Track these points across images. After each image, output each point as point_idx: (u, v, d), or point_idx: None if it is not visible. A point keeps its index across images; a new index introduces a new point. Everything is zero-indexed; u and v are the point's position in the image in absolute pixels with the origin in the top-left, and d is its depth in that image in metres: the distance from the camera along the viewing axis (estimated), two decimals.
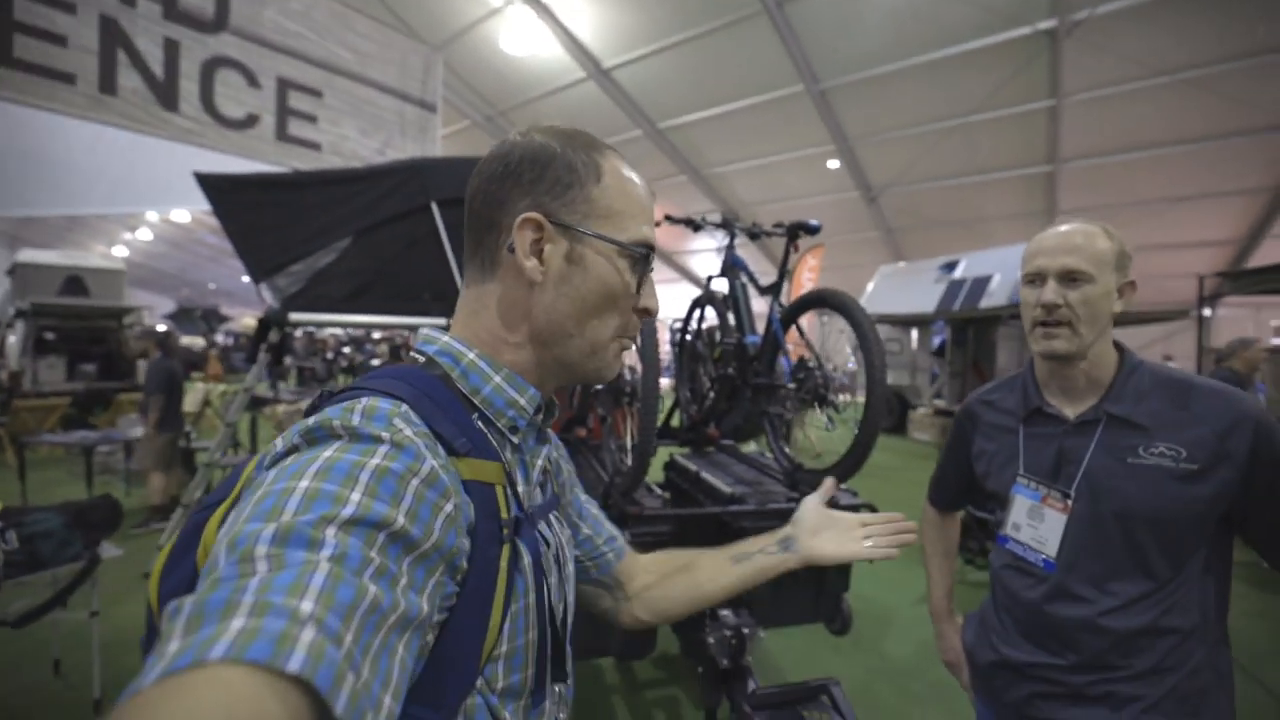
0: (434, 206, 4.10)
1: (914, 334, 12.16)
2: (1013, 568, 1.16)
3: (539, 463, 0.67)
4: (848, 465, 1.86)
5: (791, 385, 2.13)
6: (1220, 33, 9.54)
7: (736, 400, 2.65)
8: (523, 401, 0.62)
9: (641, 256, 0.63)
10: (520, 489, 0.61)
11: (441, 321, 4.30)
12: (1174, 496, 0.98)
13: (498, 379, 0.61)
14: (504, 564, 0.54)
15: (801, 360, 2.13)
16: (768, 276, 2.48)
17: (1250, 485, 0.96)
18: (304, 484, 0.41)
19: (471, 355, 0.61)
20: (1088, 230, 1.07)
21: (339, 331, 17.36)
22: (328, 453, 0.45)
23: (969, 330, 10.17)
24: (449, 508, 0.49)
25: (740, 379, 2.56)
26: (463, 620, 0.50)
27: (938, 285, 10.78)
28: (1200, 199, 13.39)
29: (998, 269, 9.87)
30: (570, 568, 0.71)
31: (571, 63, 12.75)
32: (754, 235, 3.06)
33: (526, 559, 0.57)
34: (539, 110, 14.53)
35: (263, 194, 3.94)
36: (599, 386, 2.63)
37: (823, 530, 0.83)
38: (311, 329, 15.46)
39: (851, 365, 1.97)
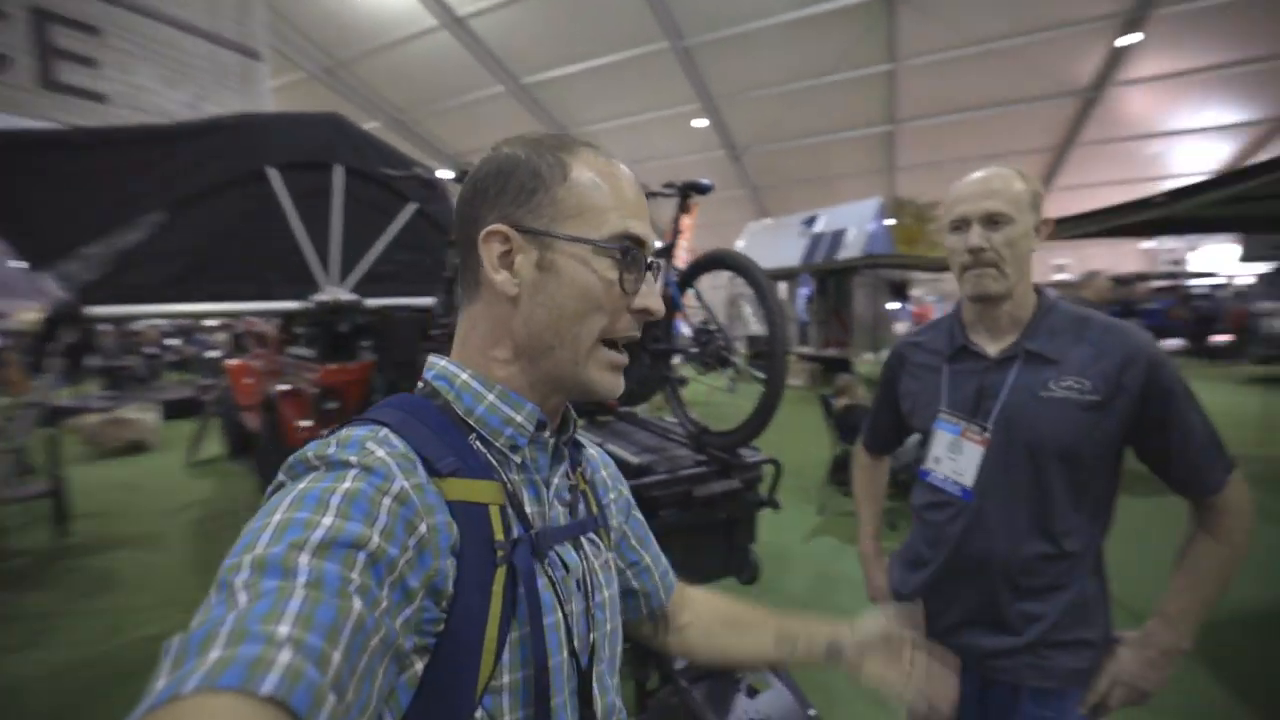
0: (272, 172, 3.52)
1: (783, 286, 12.95)
2: (932, 505, 1.20)
3: (556, 481, 0.64)
4: (754, 426, 1.89)
5: (695, 349, 2.11)
6: (1022, 4, 10.88)
7: (632, 366, 2.61)
8: (519, 418, 0.59)
9: (622, 251, 0.58)
10: (529, 510, 0.58)
11: (295, 304, 3.78)
12: (1079, 427, 1.03)
13: (491, 398, 0.59)
14: (498, 587, 0.52)
15: (704, 323, 2.11)
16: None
17: (1143, 415, 1.02)
18: (277, 517, 0.42)
19: (464, 376, 0.60)
20: (1003, 174, 1.09)
21: (162, 322, 14.88)
22: (302, 484, 0.46)
23: (830, 281, 11.02)
24: (423, 528, 0.48)
25: (639, 344, 2.51)
26: (451, 646, 0.49)
27: (801, 239, 11.48)
28: (1006, 155, 15.47)
29: (852, 223, 10.72)
30: (606, 593, 0.65)
31: (421, 9, 11.56)
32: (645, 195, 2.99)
33: (535, 581, 0.55)
34: (387, 61, 13.12)
35: (32, 157, 3.10)
36: None
37: (875, 650, 0.75)
38: (123, 322, 13.03)
39: (753, 327, 2.00)
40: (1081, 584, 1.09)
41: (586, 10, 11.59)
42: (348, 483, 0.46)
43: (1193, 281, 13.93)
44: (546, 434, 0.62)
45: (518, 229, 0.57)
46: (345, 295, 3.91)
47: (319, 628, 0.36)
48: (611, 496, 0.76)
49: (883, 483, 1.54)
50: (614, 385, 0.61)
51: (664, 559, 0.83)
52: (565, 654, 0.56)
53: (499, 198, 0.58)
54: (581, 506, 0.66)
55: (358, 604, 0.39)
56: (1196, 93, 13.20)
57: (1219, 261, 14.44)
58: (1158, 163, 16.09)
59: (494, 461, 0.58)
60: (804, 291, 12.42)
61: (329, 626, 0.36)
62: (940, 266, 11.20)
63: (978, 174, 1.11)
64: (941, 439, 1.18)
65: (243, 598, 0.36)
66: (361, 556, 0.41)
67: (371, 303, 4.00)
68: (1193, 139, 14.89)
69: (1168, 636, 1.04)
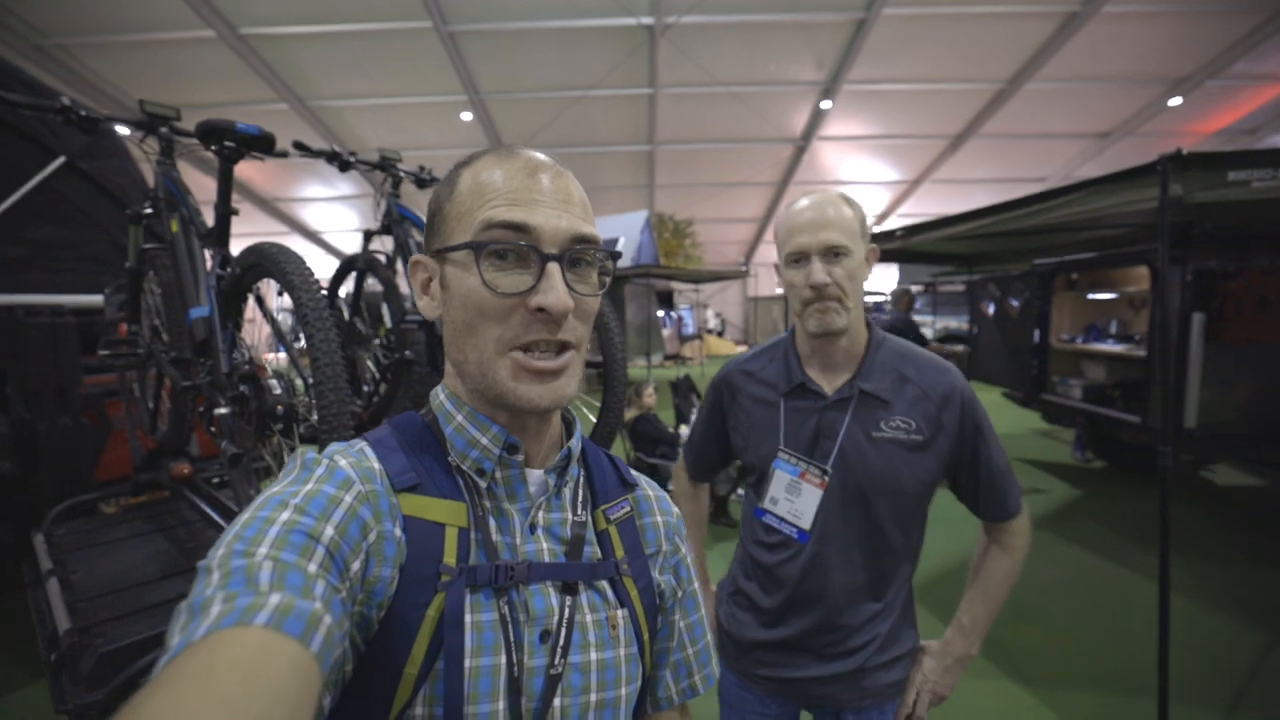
0: None
1: None
2: (766, 545, 1.17)
3: (549, 515, 0.60)
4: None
5: None
6: (756, 58, 12.72)
7: (409, 388, 2.15)
8: (485, 440, 0.58)
9: (475, 247, 0.53)
10: (495, 538, 0.56)
11: None
12: (907, 467, 1.07)
13: (459, 418, 0.59)
14: (433, 611, 0.50)
15: None
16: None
17: (959, 451, 1.09)
18: (244, 516, 0.45)
19: (442, 396, 0.61)
20: (834, 201, 1.07)
21: None
22: (275, 488, 0.49)
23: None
24: (372, 536, 0.49)
25: (431, 364, 2.06)
26: (374, 657, 0.48)
27: None
28: (742, 186, 18.00)
29: (623, 233, 11.23)
30: (596, 656, 0.57)
31: None
32: (423, 182, 2.48)
33: (480, 616, 0.52)
34: None
35: None
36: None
37: None
38: None
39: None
40: (899, 606, 1.14)
41: None
42: (310, 484, 0.49)
43: (869, 298, 18.06)
44: (518, 458, 0.58)
45: (430, 254, 0.59)
46: None
47: (293, 586, 0.40)
48: (661, 549, 0.68)
49: (705, 509, 1.48)
50: (529, 394, 0.54)
51: (708, 666, 0.71)
52: (500, 705, 0.51)
53: (426, 230, 0.61)
54: (590, 549, 0.61)
55: (314, 568, 0.42)
56: (865, 153, 17.12)
57: (882, 282, 18.96)
58: None
59: (467, 484, 0.57)
60: None
61: (301, 585, 0.40)
62: (699, 279, 12.50)
63: (806, 201, 1.09)
64: (780, 479, 1.14)
65: (215, 576, 0.40)
66: (319, 548, 0.44)
67: None
68: (863, 189, 19.28)
69: (962, 645, 1.14)
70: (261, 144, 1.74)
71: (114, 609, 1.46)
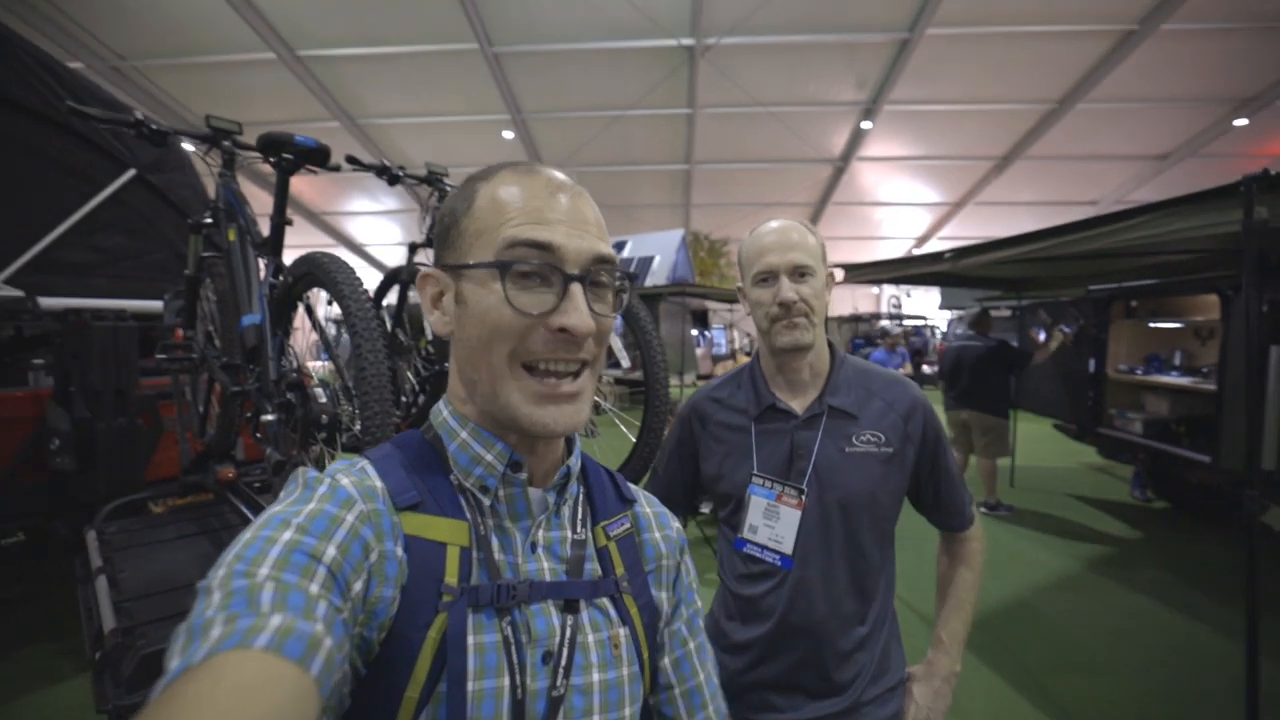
0: None
1: None
2: (748, 577, 1.14)
3: (549, 533, 0.59)
4: (628, 476, 1.59)
5: None
6: (795, 79, 12.73)
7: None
8: (489, 457, 0.57)
9: (500, 266, 0.53)
10: (497, 556, 0.55)
11: None
12: (880, 480, 1.08)
13: (463, 435, 0.58)
14: (434, 633, 0.50)
15: None
16: None
17: (920, 461, 1.12)
18: (246, 535, 0.45)
19: (445, 414, 0.61)
20: (798, 226, 1.11)
21: None
22: (276, 507, 0.49)
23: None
24: (374, 555, 0.49)
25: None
26: (375, 680, 0.48)
27: None
28: (778, 206, 17.90)
29: (658, 251, 11.26)
30: (599, 676, 0.56)
31: None
32: None
33: (482, 637, 0.51)
34: (115, 3, 10.11)
35: None
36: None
37: None
38: None
39: (625, 361, 1.70)
40: (884, 629, 1.12)
41: None
42: (312, 504, 0.49)
43: (909, 322, 17.65)
44: (522, 476, 0.58)
45: (442, 268, 0.58)
46: None
47: (295, 607, 0.39)
48: (661, 565, 0.67)
49: None
50: (544, 418, 0.54)
51: (719, 699, 0.70)
52: None
53: (437, 243, 0.60)
54: (591, 566, 0.60)
55: (316, 589, 0.42)
56: (906, 174, 16.85)
57: (925, 307, 18.50)
58: (882, 226, 20.16)
59: (469, 503, 0.57)
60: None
61: (303, 607, 0.40)
62: (734, 299, 12.39)
63: (772, 225, 1.12)
64: (757, 505, 1.13)
65: (217, 597, 0.39)
66: (322, 570, 0.44)
67: (51, 303, 2.78)
68: (903, 210, 18.95)
69: (946, 663, 1.15)
70: (317, 157, 1.78)
71: (157, 611, 1.48)
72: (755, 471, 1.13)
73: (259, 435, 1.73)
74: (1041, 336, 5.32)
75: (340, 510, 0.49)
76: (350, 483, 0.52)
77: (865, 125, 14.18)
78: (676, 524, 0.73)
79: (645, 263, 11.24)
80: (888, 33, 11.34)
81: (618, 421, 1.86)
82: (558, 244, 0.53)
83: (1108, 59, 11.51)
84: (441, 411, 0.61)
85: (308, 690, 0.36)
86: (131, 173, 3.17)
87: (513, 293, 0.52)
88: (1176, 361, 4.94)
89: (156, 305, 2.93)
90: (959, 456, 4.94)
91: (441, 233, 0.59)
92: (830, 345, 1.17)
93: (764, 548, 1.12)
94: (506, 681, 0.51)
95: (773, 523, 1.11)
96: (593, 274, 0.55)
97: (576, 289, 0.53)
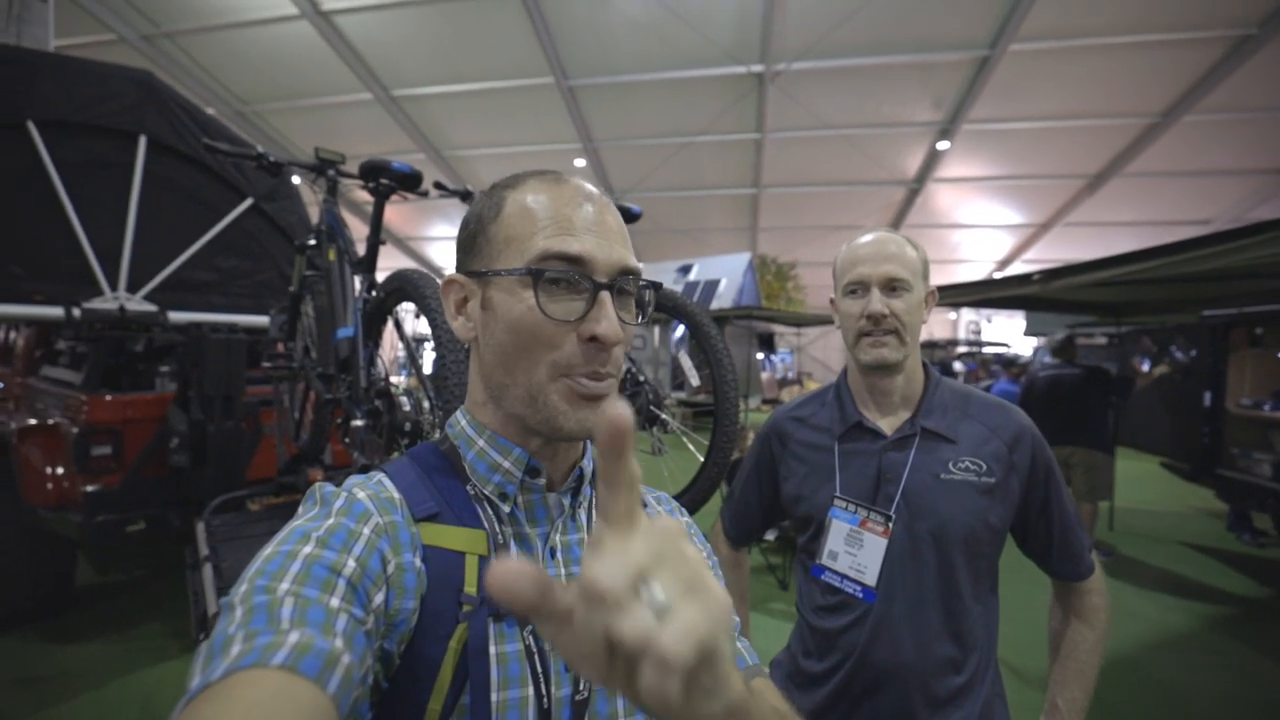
0: (34, 128, 2.60)
1: (656, 331, 13.15)
2: (826, 608, 1.06)
3: (566, 538, 0.60)
4: (694, 497, 1.59)
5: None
6: (868, 101, 12.51)
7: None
8: (507, 464, 0.58)
9: (533, 275, 0.53)
10: None
11: (53, 311, 2.80)
12: (979, 511, 0.98)
13: (481, 443, 0.59)
14: (455, 644, 0.50)
15: (629, 372, 1.78)
16: None
17: (1029, 495, 1.01)
18: (267, 550, 0.46)
19: (463, 423, 0.61)
20: (897, 239, 1.05)
21: None
22: (296, 521, 0.50)
23: None
24: (391, 567, 0.49)
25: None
26: (398, 694, 0.48)
27: (675, 286, 11.82)
28: (849, 229, 17.46)
29: (724, 274, 11.24)
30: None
31: None
32: None
33: (505, 647, 0.51)
34: (230, 43, 11.43)
35: None
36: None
37: None
38: None
39: (695, 380, 1.71)
40: (984, 683, 1.01)
41: (472, 32, 11.14)
42: (331, 519, 0.49)
43: (989, 349, 16.64)
44: (540, 481, 0.59)
45: (467, 274, 0.59)
46: (137, 305, 2.99)
47: (314, 623, 0.40)
48: None
49: (747, 580, 1.35)
50: (583, 420, 0.54)
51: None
52: None
53: (461, 250, 0.61)
54: None
55: (337, 602, 0.43)
56: (986, 195, 16.06)
57: (1008, 333, 17.40)
58: (959, 249, 19.22)
59: (487, 511, 0.57)
60: (676, 338, 12.70)
61: (322, 623, 0.40)
62: (802, 322, 12.16)
63: (869, 236, 1.07)
64: (838, 530, 1.05)
65: (239, 613, 0.40)
66: (342, 582, 0.44)
67: (178, 317, 3.10)
68: (983, 232, 18.01)
69: None
70: (411, 182, 1.92)
71: None
72: (838, 494, 1.06)
73: (348, 440, 1.85)
74: (1145, 366, 4.88)
75: (357, 525, 0.49)
76: (366, 496, 0.53)
77: (942, 145, 13.68)
78: (685, 516, 0.72)
79: (711, 286, 11.24)
80: (966, 50, 10.96)
81: (686, 441, 1.85)
82: (589, 254, 0.53)
83: (1220, 66, 10.58)
84: (459, 420, 0.61)
85: (324, 707, 0.36)
86: (249, 201, 3.53)
87: (544, 300, 0.53)
88: None
89: (263, 320, 3.22)
90: None
91: (467, 239, 0.60)
92: (925, 366, 1.09)
93: (844, 576, 1.04)
94: (531, 691, 0.50)
95: (855, 550, 1.03)
96: (619, 284, 0.55)
97: (605, 297, 0.54)
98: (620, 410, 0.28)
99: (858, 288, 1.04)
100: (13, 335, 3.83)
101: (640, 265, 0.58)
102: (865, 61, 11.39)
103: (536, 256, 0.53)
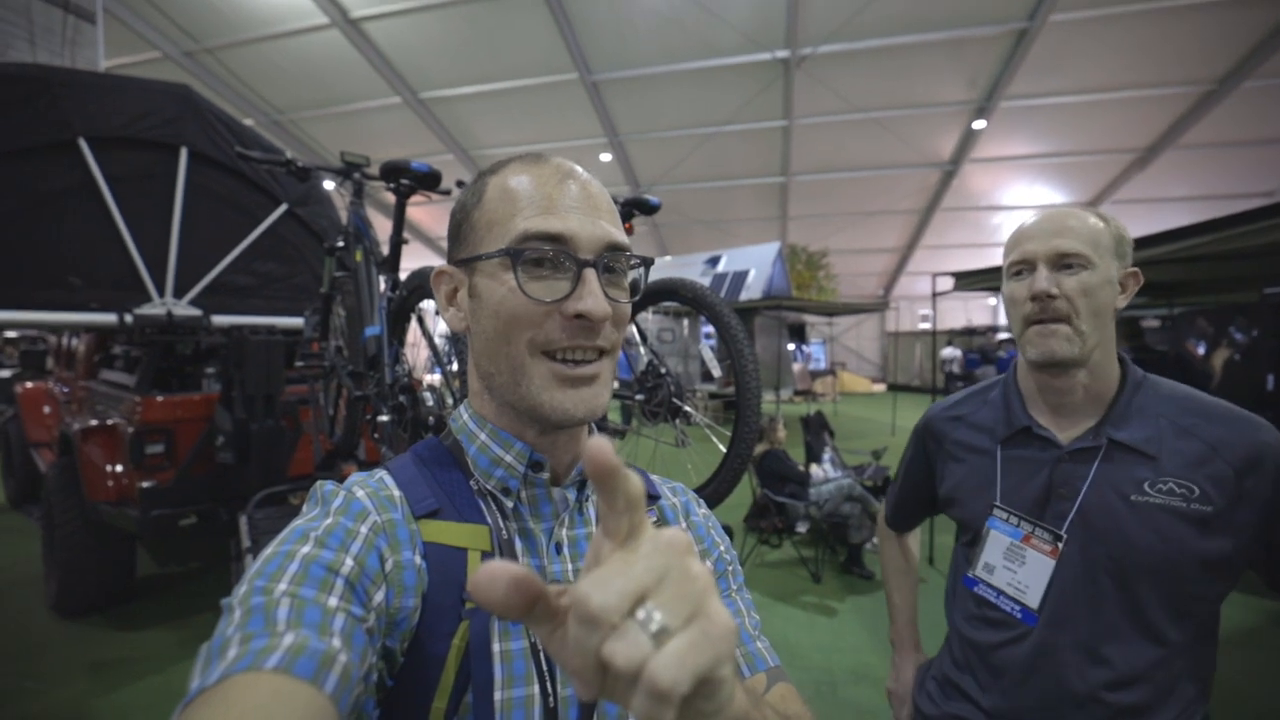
0: (85, 145, 2.74)
1: (685, 323, 13.09)
2: (980, 620, 0.96)
3: (573, 531, 0.58)
4: (716, 490, 1.58)
5: (639, 396, 1.77)
6: (898, 82, 12.15)
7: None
8: (509, 459, 0.57)
9: (512, 254, 0.52)
10: (522, 560, 0.54)
11: (108, 318, 2.95)
12: (1181, 542, 0.82)
13: (482, 437, 0.58)
14: (459, 641, 0.49)
15: (650, 364, 1.78)
16: None
17: (1273, 529, 0.82)
18: (268, 550, 0.46)
19: (465, 417, 0.60)
20: (1078, 211, 0.90)
21: None
22: (297, 521, 0.50)
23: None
24: (389, 565, 0.49)
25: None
26: (400, 696, 0.48)
27: (704, 278, 11.72)
28: (881, 215, 17.06)
29: (753, 265, 11.10)
30: None
31: (310, 3, 10.58)
32: None
33: (509, 645, 0.50)
34: (265, 55, 11.83)
35: None
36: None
37: None
38: None
39: (717, 371, 1.70)
40: None
41: (496, 31, 11.26)
42: (329, 518, 0.49)
43: (1002, 334, 15.98)
44: (544, 475, 0.57)
45: (454, 263, 0.58)
46: (183, 310, 3.12)
47: (310, 623, 0.40)
48: None
49: (915, 560, 1.29)
50: (569, 402, 0.53)
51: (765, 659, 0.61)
52: None
53: (449, 239, 0.60)
54: None
55: (334, 601, 0.42)
56: (1026, 175, 15.43)
57: None
58: (999, 232, 18.53)
59: (490, 506, 0.56)
60: (705, 330, 12.62)
61: (319, 622, 0.40)
62: (833, 311, 11.91)
63: (1047, 211, 0.93)
64: (997, 542, 0.95)
65: (237, 614, 0.40)
66: (340, 581, 0.44)
67: (220, 320, 3.23)
68: (1024, 214, 17.32)
69: None
70: (430, 181, 1.95)
71: None
72: (997, 503, 0.95)
73: (376, 435, 1.90)
74: (1200, 349, 4.64)
75: (355, 523, 0.49)
76: (365, 494, 0.53)
77: (978, 125, 13.19)
78: (704, 509, 0.70)
79: (740, 277, 11.12)
80: (1002, 24, 10.53)
81: (709, 434, 1.84)
82: (570, 232, 0.52)
83: None
84: (461, 415, 0.61)
85: (322, 708, 0.36)
86: (284, 207, 3.65)
87: (525, 281, 0.51)
88: None
89: (299, 321, 3.33)
90: None
91: (453, 229, 0.59)
92: (1123, 361, 0.93)
93: (1000, 593, 0.93)
94: (536, 689, 0.49)
95: (1015, 566, 0.92)
96: (608, 260, 0.54)
97: (590, 274, 0.52)
98: (598, 444, 0.27)
99: (1023, 268, 0.91)
100: (74, 342, 4.06)
101: (628, 240, 0.57)
102: (894, 41, 11.07)
103: (517, 237, 0.52)
